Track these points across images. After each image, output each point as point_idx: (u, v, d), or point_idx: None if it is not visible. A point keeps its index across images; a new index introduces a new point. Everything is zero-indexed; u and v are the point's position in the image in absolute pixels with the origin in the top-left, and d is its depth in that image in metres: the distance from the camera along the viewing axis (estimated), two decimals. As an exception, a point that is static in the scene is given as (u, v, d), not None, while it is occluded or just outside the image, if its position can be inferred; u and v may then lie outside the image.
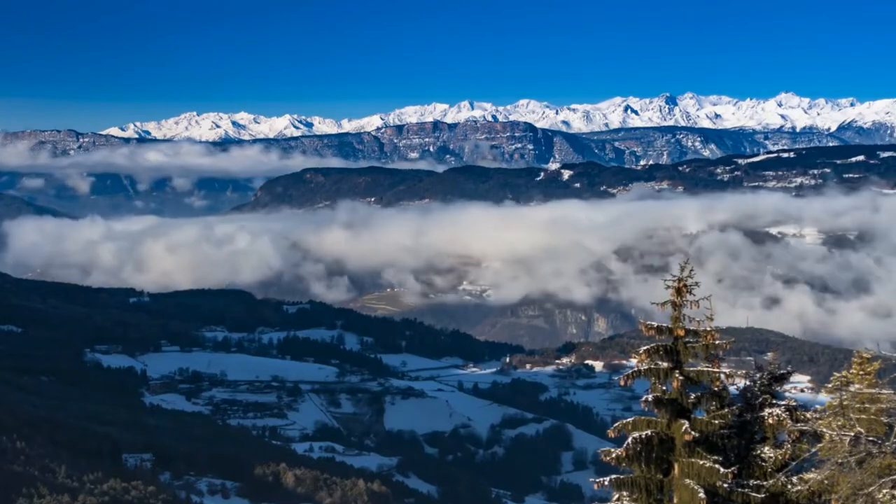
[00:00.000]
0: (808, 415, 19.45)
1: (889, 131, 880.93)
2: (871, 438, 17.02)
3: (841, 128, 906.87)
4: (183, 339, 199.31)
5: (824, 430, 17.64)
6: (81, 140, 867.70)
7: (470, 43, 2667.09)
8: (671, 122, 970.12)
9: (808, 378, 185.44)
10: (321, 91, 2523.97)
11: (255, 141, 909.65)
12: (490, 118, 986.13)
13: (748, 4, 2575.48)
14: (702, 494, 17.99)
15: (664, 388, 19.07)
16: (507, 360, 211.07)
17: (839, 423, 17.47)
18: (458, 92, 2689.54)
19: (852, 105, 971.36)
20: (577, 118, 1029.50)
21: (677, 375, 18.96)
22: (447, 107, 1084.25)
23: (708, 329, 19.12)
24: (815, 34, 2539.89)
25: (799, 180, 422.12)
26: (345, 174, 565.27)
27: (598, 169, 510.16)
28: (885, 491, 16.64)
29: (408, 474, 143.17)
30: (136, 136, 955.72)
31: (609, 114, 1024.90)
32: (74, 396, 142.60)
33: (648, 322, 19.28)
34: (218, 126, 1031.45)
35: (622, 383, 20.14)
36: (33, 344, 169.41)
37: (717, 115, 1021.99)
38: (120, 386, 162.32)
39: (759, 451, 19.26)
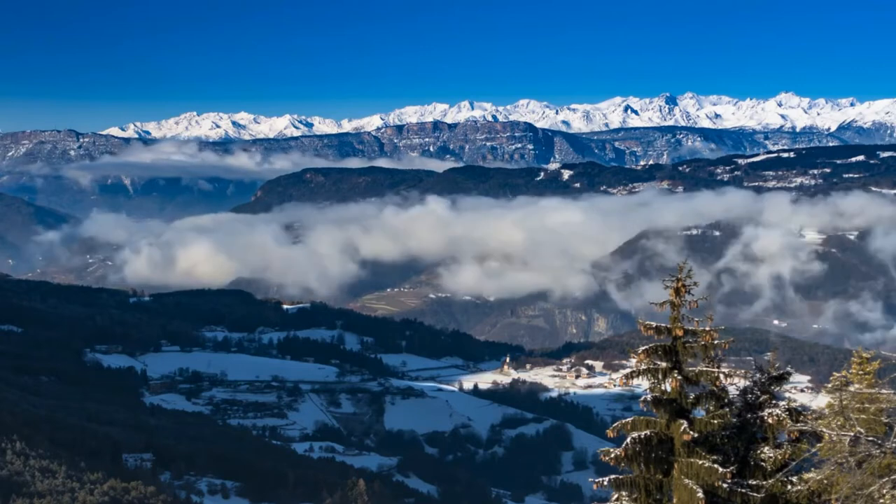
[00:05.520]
0: (807, 415, 19.44)
1: (889, 131, 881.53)
2: (870, 438, 17.00)
3: (841, 128, 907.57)
4: (183, 339, 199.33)
5: (824, 430, 17.62)
6: (81, 140, 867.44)
7: (470, 43, 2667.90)
8: (671, 122, 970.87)
9: (808, 378, 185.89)
10: (321, 91, 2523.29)
11: (256, 141, 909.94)
12: (490, 118, 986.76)
13: (748, 4, 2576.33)
14: (700, 494, 17.97)
15: (663, 387, 19.05)
16: (507, 359, 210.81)
17: (839, 423, 17.45)
18: (458, 92, 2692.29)
19: (852, 105, 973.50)
20: (577, 118, 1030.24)
21: (676, 375, 18.94)
22: (447, 107, 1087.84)
23: (707, 329, 19.11)
24: (815, 34, 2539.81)
25: (799, 180, 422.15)
26: (345, 174, 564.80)
27: (598, 169, 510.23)
28: (885, 491, 16.62)
29: (408, 474, 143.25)
30: (136, 136, 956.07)
31: (609, 114, 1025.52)
32: (74, 396, 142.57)
33: (647, 322, 19.26)
34: (218, 126, 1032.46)
35: (621, 383, 20.17)
36: (33, 344, 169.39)
37: (717, 115, 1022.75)
38: (120, 386, 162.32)
39: (759, 451, 19.24)
